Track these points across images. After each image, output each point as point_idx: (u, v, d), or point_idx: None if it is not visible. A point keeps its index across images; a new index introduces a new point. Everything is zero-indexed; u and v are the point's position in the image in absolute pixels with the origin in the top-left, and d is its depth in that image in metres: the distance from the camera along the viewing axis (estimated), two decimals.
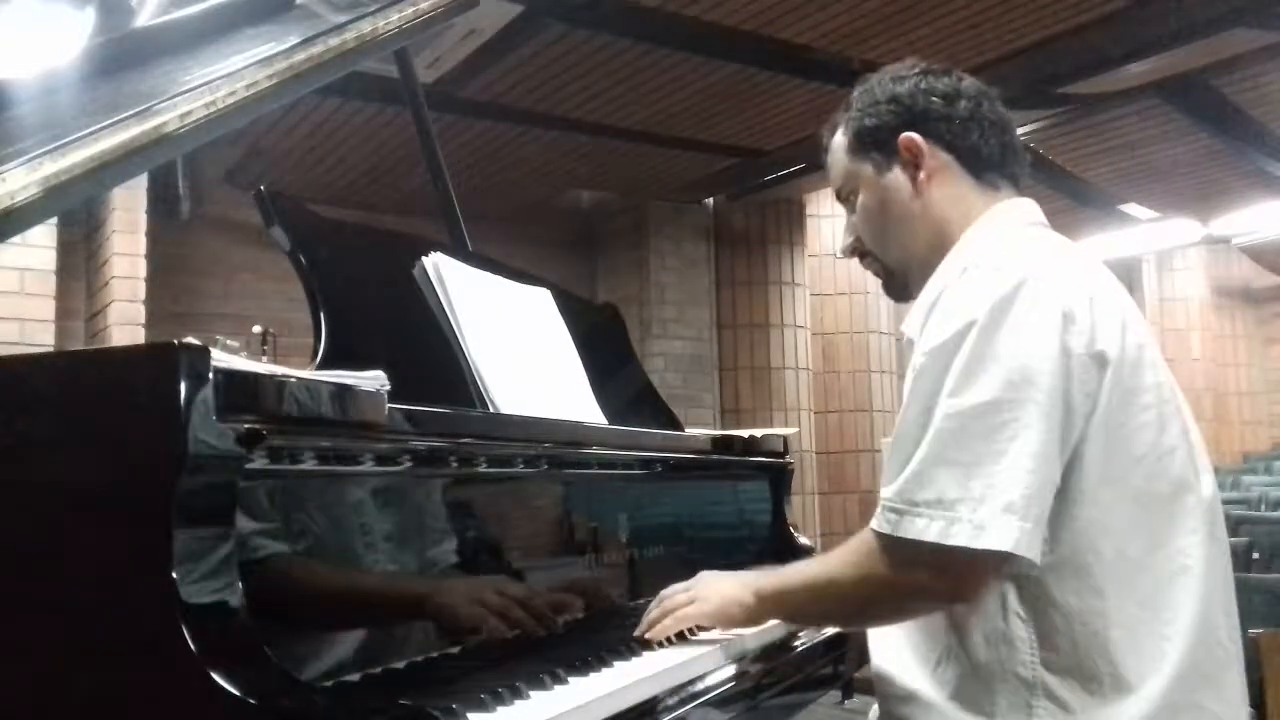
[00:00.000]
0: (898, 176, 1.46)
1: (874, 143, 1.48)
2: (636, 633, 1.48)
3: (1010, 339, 1.23)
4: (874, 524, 1.28)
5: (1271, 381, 12.04)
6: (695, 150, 6.55)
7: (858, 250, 1.57)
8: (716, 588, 1.50)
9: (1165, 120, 6.58)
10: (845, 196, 1.55)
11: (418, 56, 3.41)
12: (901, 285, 1.53)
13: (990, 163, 1.46)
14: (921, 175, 1.45)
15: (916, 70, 1.48)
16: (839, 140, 1.54)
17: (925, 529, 1.22)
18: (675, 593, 1.52)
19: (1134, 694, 1.22)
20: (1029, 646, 1.26)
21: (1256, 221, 9.52)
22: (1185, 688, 1.24)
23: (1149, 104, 6.27)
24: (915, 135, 1.44)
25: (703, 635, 1.55)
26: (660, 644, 1.49)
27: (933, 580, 1.26)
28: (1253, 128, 6.79)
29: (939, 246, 1.43)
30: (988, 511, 1.19)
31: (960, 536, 1.19)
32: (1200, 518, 1.31)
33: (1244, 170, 7.67)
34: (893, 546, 1.26)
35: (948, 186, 1.45)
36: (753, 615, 1.48)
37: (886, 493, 1.27)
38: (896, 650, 1.42)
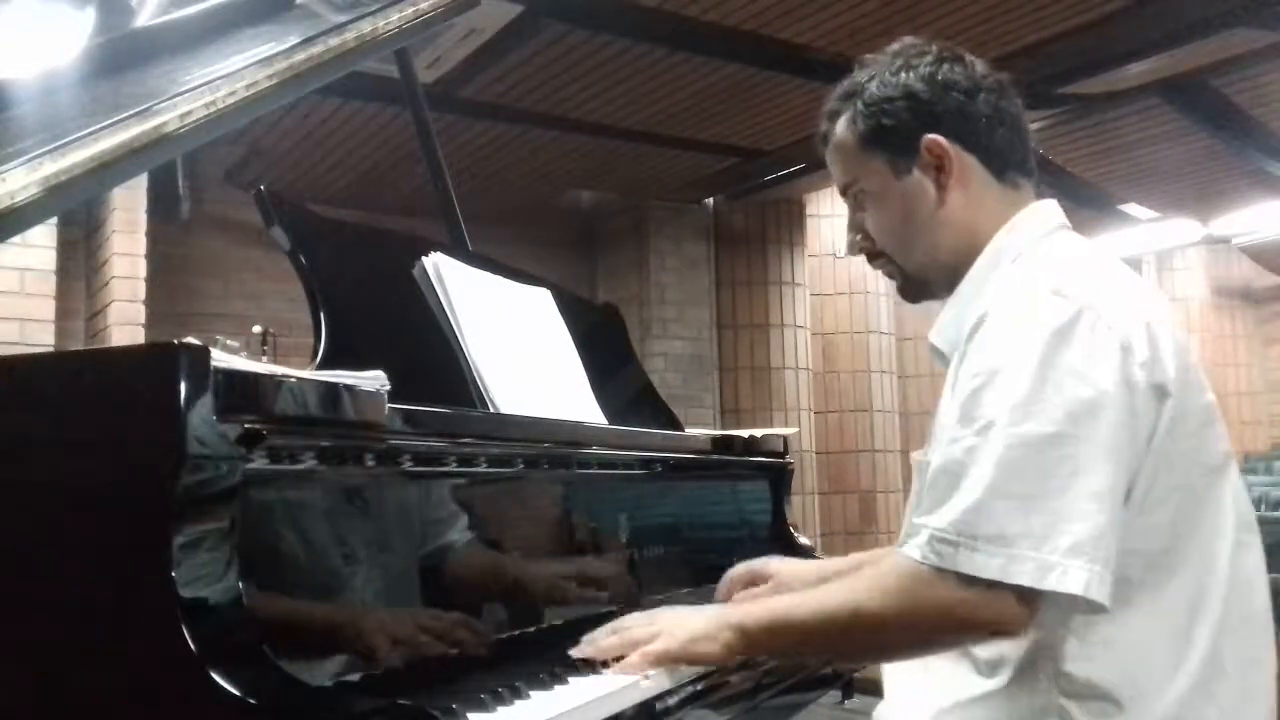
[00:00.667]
0: (919, 180, 1.37)
1: (892, 143, 1.37)
2: (574, 651, 1.35)
3: (1073, 370, 1.17)
4: (916, 554, 1.19)
5: (1271, 381, 12.04)
6: (695, 150, 6.55)
7: (867, 251, 1.46)
8: (680, 621, 1.36)
9: (1165, 120, 6.58)
10: (852, 194, 1.44)
11: (418, 56, 3.41)
12: (920, 288, 1.44)
13: (1011, 161, 1.38)
14: (945, 179, 1.35)
15: (929, 57, 1.37)
16: (845, 134, 1.41)
17: (985, 565, 1.14)
18: (634, 623, 1.38)
19: (1151, 702, 1.20)
20: (1048, 655, 1.22)
21: (1256, 221, 9.52)
22: (1191, 703, 1.21)
23: (1149, 104, 6.26)
24: (940, 138, 1.34)
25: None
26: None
27: (983, 617, 1.18)
28: (1253, 128, 6.79)
29: (966, 252, 1.36)
30: (1052, 550, 1.13)
31: (1023, 576, 1.13)
32: (1228, 545, 1.27)
33: (1244, 170, 7.67)
34: (944, 579, 1.17)
35: (972, 188, 1.36)
36: (733, 651, 1.32)
37: (937, 522, 1.18)
38: (906, 675, 1.38)
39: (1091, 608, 1.16)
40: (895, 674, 1.42)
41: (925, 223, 1.38)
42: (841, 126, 1.42)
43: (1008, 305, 1.23)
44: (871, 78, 1.39)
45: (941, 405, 1.30)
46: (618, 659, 1.33)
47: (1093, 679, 1.21)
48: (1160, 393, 1.21)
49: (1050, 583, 1.13)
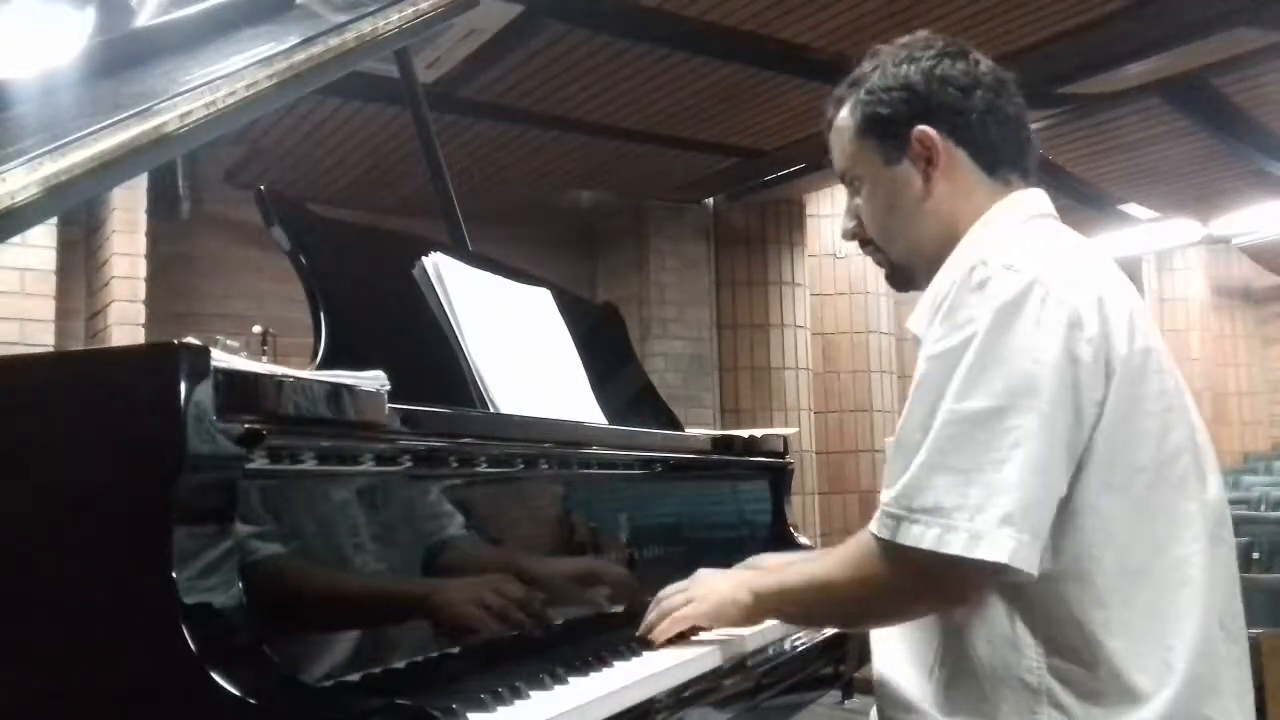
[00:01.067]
0: (907, 170, 1.40)
1: (884, 132, 1.41)
2: (638, 633, 1.48)
3: (1016, 345, 1.20)
4: (873, 527, 1.27)
5: (1271, 381, 12.04)
6: (695, 150, 6.55)
7: (859, 236, 1.50)
8: (713, 586, 1.48)
9: (1165, 120, 6.58)
10: (849, 180, 1.48)
11: (418, 56, 3.41)
12: (906, 278, 1.48)
13: (1003, 158, 1.40)
14: (933, 171, 1.39)
15: (932, 52, 1.40)
16: (845, 120, 1.45)
17: (921, 536, 1.20)
18: (672, 593, 1.51)
19: (1140, 705, 1.20)
20: (1036, 653, 1.24)
21: (1256, 221, 9.53)
22: (1190, 697, 1.22)
23: (1149, 104, 6.27)
24: (929, 129, 1.38)
25: (704, 635, 1.55)
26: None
27: (927, 586, 1.25)
28: (1253, 128, 6.79)
29: (947, 241, 1.39)
30: (985, 521, 1.17)
31: (955, 545, 1.18)
32: (1203, 525, 1.28)
33: (1244, 170, 7.67)
34: (889, 551, 1.24)
35: (959, 182, 1.39)
36: (749, 615, 1.46)
37: (885, 497, 1.25)
38: (897, 652, 1.40)
39: (1020, 578, 1.19)
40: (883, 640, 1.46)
41: (910, 212, 1.42)
42: (844, 113, 1.46)
43: (961, 284, 1.26)
44: (876, 68, 1.43)
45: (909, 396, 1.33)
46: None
47: (1078, 673, 1.23)
48: (1107, 369, 1.23)
49: (980, 552, 1.17)
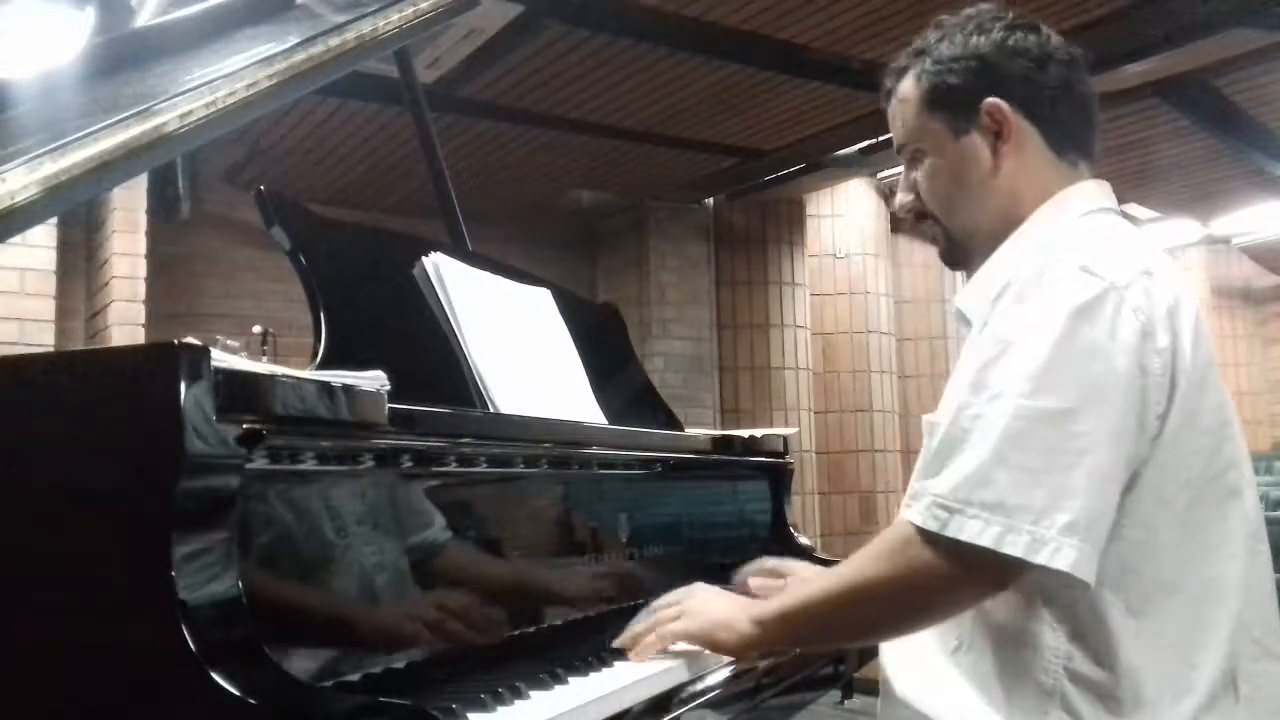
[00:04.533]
0: (975, 142, 1.35)
1: (953, 103, 1.36)
2: (616, 642, 1.41)
3: (1091, 349, 1.16)
4: (916, 518, 1.19)
5: (1271, 381, 12.03)
6: (695, 150, 6.55)
7: (916, 210, 1.44)
8: (707, 607, 1.39)
9: (1165, 120, 6.57)
10: (910, 152, 1.43)
11: (418, 56, 3.41)
12: (962, 254, 1.42)
13: (1072, 140, 1.37)
14: (1002, 145, 1.34)
15: (1003, 23, 1.36)
16: (909, 91, 1.40)
17: (980, 532, 1.14)
18: (665, 603, 1.44)
19: (1154, 716, 1.19)
20: (1055, 655, 1.21)
21: (1256, 221, 9.52)
22: (1218, 710, 1.21)
23: (1149, 104, 6.26)
24: (1001, 102, 1.33)
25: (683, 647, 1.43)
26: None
27: (975, 582, 1.19)
28: (1253, 128, 6.79)
29: (1009, 220, 1.35)
30: (1049, 526, 1.13)
31: (1018, 548, 1.13)
32: (1241, 541, 1.26)
33: (1244, 170, 7.67)
34: (939, 544, 1.17)
35: (1027, 159, 1.35)
36: (748, 643, 1.35)
37: (937, 487, 1.18)
38: (906, 645, 1.37)
39: (1072, 584, 1.16)
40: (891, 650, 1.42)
41: (975, 187, 1.37)
42: (907, 83, 1.41)
43: (1033, 277, 1.22)
44: (943, 38, 1.38)
45: (957, 369, 1.29)
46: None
47: (1097, 679, 1.20)
48: (1173, 382, 1.20)
49: (1042, 558, 1.13)
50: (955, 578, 1.18)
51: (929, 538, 1.18)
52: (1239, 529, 1.27)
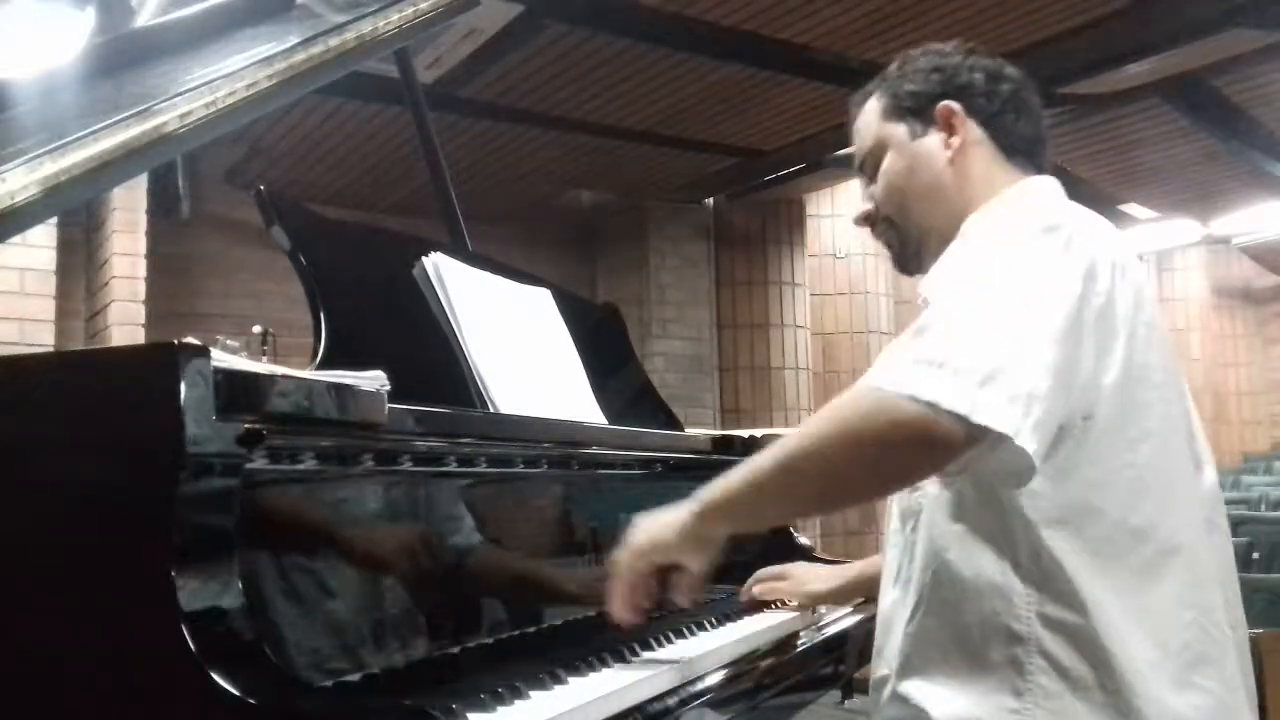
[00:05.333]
0: (931, 142, 1.44)
1: (912, 107, 1.46)
2: (610, 610, 1.34)
3: (1049, 260, 1.20)
4: (875, 379, 1.18)
5: (1271, 381, 12.04)
6: (695, 150, 6.55)
7: (871, 218, 1.52)
8: (644, 526, 1.33)
9: (1165, 120, 6.58)
10: (868, 165, 1.50)
11: (418, 56, 3.41)
12: (914, 255, 1.48)
13: (1021, 146, 1.45)
14: (955, 143, 1.43)
15: (962, 49, 1.48)
16: (872, 104, 1.51)
17: (932, 389, 1.12)
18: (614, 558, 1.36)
19: (1128, 662, 1.20)
20: (1025, 601, 1.23)
21: (1256, 221, 9.53)
22: (1182, 664, 1.23)
23: (1149, 104, 6.27)
24: (955, 104, 1.43)
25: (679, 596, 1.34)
26: (660, 641, 1.47)
27: (923, 435, 1.14)
28: (1253, 128, 6.80)
29: (960, 219, 1.40)
30: (995, 390, 1.12)
31: (960, 403, 1.11)
32: (1199, 506, 1.30)
33: (1244, 170, 7.68)
34: (893, 400, 1.14)
35: (978, 162, 1.43)
36: (695, 533, 1.28)
37: (895, 358, 1.19)
38: (881, 606, 1.39)
39: (1021, 462, 1.14)
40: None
41: (929, 185, 1.45)
42: (870, 102, 1.52)
43: (990, 223, 1.30)
44: (905, 63, 1.50)
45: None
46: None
47: (1069, 621, 1.22)
48: (1113, 330, 1.23)
49: (982, 417, 1.11)
50: (907, 428, 1.14)
51: (886, 393, 1.15)
52: (1195, 495, 1.30)
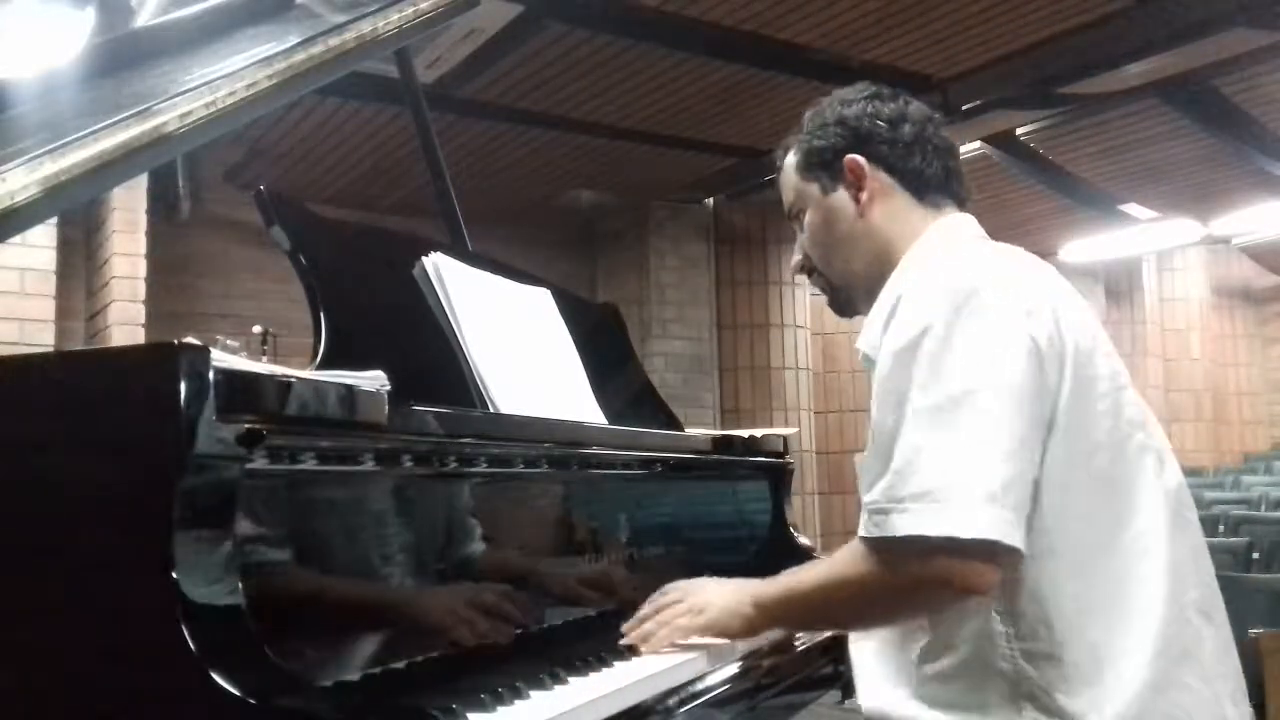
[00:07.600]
0: (842, 197, 1.50)
1: (821, 164, 1.52)
2: (624, 641, 1.46)
3: (976, 330, 1.24)
4: (861, 530, 1.27)
5: (1271, 381, 12.04)
6: (695, 150, 6.56)
7: (805, 268, 1.60)
8: (714, 597, 1.47)
9: (1165, 120, 6.58)
10: (794, 216, 1.58)
11: (418, 56, 3.41)
12: (846, 301, 1.57)
13: (932, 184, 1.49)
14: (864, 196, 1.48)
15: (865, 95, 1.52)
16: (789, 160, 1.58)
17: (913, 524, 1.20)
18: (670, 601, 1.50)
19: (1115, 676, 1.23)
20: (1006, 640, 1.26)
21: (1256, 221, 9.52)
22: (1164, 665, 1.24)
23: (1149, 104, 6.27)
24: (858, 157, 1.48)
25: (695, 641, 1.49)
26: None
27: (930, 574, 1.23)
28: (1253, 128, 6.79)
29: (883, 264, 1.47)
30: (972, 500, 1.18)
31: (947, 526, 1.18)
32: (1164, 503, 1.31)
33: (1244, 170, 7.67)
34: (883, 549, 1.25)
35: (890, 207, 1.48)
36: (752, 626, 1.46)
37: (870, 496, 1.26)
38: (875, 655, 1.41)
39: (1009, 556, 1.21)
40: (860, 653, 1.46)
41: (845, 235, 1.51)
42: (789, 156, 1.59)
43: (910, 292, 1.31)
44: (816, 114, 1.56)
45: (872, 405, 1.35)
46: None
47: (1048, 651, 1.24)
48: (1061, 350, 1.28)
49: (970, 530, 1.18)
50: (908, 576, 1.25)
51: (873, 545, 1.26)
52: (1159, 493, 1.32)
